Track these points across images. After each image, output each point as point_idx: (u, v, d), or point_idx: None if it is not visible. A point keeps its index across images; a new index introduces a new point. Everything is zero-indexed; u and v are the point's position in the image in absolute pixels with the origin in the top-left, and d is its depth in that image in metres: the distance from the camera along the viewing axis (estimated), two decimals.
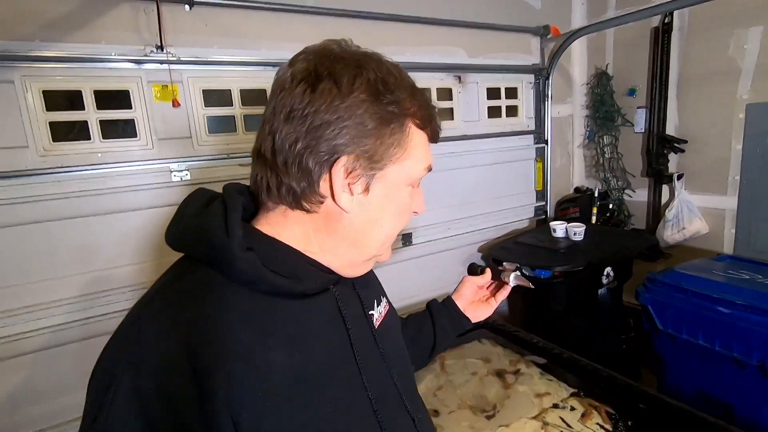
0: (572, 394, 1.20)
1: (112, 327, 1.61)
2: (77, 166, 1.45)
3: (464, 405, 1.18)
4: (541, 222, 2.69)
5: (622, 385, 1.14)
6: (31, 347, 1.46)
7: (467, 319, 0.93)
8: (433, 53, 2.16)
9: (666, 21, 2.25)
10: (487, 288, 0.97)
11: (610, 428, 1.06)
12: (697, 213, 2.26)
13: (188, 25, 1.58)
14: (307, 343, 0.52)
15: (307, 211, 0.54)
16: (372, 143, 0.52)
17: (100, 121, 1.49)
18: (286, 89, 0.52)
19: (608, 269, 2.01)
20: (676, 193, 2.30)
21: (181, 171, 1.61)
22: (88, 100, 1.46)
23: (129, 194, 1.55)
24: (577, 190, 2.83)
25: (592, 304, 2.03)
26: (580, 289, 1.98)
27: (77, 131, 1.46)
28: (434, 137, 0.60)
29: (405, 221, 0.60)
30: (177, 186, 1.62)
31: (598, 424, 1.08)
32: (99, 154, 1.49)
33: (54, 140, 1.42)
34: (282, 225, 0.56)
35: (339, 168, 0.51)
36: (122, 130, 1.53)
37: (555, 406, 1.16)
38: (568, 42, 2.39)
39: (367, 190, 0.54)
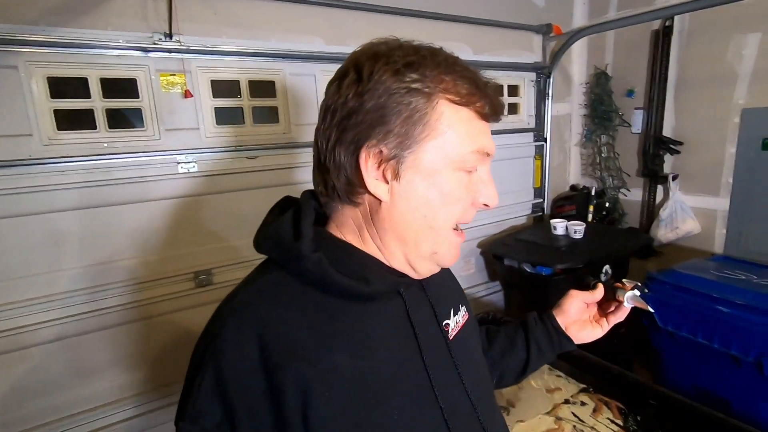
0: (582, 390, 1.24)
1: (115, 321, 1.58)
2: (82, 156, 1.41)
3: None
4: (538, 219, 2.74)
5: (632, 382, 1.18)
6: (35, 340, 1.43)
7: (568, 339, 0.79)
8: None
9: (667, 24, 2.29)
10: (598, 306, 0.81)
11: (620, 423, 1.10)
12: (690, 213, 2.33)
13: (196, 13, 1.54)
14: (373, 349, 0.52)
15: (355, 204, 0.54)
16: (394, 123, 0.49)
17: (107, 110, 1.44)
18: (326, 92, 0.54)
19: (606, 267, 2.06)
20: (670, 194, 2.36)
21: (188, 163, 1.58)
22: (94, 88, 1.42)
23: (135, 186, 1.51)
24: (573, 188, 2.88)
25: None
26: (579, 286, 2.02)
27: (76, 119, 1.42)
28: (491, 114, 0.54)
29: (458, 211, 0.54)
30: (184, 178, 1.59)
31: (609, 419, 1.12)
32: (105, 144, 1.45)
33: (59, 129, 1.38)
34: (344, 225, 0.56)
35: (364, 154, 0.50)
36: (129, 120, 1.49)
37: (566, 401, 1.19)
38: (570, 42, 2.41)
39: (397, 175, 0.51)
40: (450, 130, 0.51)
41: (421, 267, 0.57)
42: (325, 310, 0.51)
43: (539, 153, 2.67)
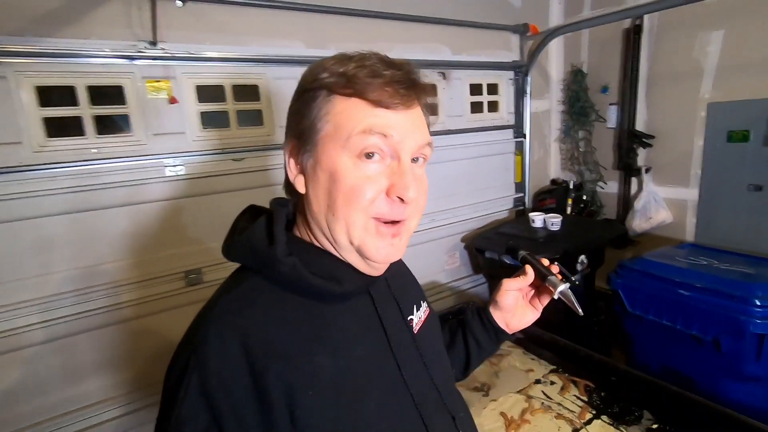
0: (552, 371, 1.32)
1: (104, 322, 1.61)
2: (71, 161, 1.46)
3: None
4: (520, 213, 2.82)
5: (597, 362, 1.27)
6: (25, 342, 1.47)
7: (504, 332, 0.82)
8: (418, 50, 2.23)
9: (637, 23, 2.38)
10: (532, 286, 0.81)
11: (585, 399, 1.18)
12: (662, 203, 2.43)
13: (180, 20, 1.59)
14: (350, 347, 0.56)
15: (296, 198, 0.62)
16: (295, 120, 0.58)
17: (95, 116, 1.49)
18: None
19: (582, 257, 2.14)
20: (644, 185, 2.46)
21: (176, 166, 1.63)
22: (82, 95, 1.46)
23: (123, 189, 1.56)
24: (553, 182, 2.97)
25: None
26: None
27: (65, 126, 1.46)
28: (389, 101, 0.54)
29: (362, 201, 0.54)
30: (171, 181, 1.64)
31: (575, 395, 1.20)
32: (94, 150, 1.50)
33: (49, 136, 1.42)
34: (299, 225, 0.63)
35: (286, 150, 0.59)
36: (116, 125, 1.54)
37: (537, 381, 1.27)
38: (546, 41, 2.49)
39: (303, 166, 0.58)
40: (338, 118, 0.54)
41: (352, 259, 0.58)
42: (303, 313, 0.54)
43: (519, 149, 2.75)
